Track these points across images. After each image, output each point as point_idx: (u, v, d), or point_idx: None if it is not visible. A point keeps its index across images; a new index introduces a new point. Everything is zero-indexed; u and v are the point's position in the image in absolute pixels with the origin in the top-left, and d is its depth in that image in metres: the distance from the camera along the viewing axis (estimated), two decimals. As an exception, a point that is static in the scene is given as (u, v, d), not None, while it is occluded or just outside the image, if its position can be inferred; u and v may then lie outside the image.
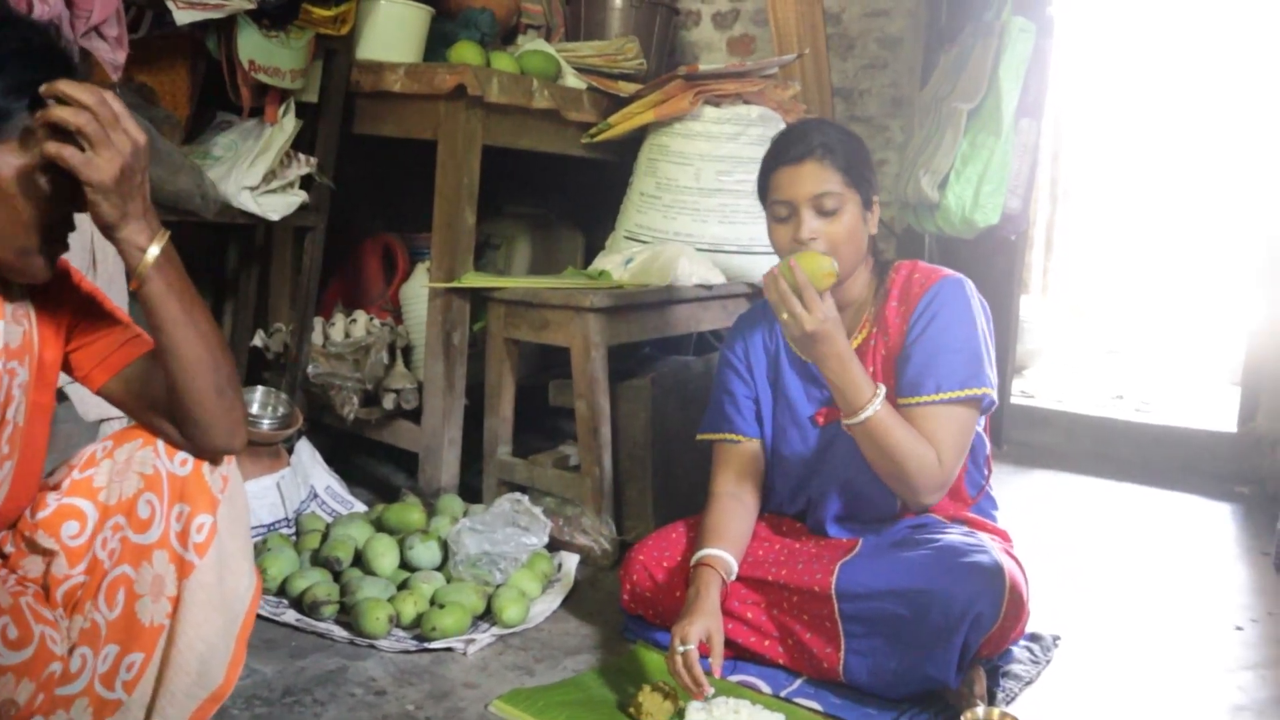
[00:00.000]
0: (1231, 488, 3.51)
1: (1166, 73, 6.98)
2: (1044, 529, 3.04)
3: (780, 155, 1.87)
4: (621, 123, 2.94)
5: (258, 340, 2.92)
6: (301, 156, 2.65)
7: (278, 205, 2.55)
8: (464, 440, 2.84)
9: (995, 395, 1.85)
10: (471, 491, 2.85)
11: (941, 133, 2.98)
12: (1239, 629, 2.35)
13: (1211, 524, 3.19)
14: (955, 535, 1.86)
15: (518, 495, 2.45)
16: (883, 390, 1.75)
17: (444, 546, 2.33)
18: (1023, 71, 2.93)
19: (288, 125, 2.58)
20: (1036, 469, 3.68)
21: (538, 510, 2.43)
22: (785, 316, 1.72)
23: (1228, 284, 6.84)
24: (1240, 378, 3.69)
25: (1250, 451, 3.57)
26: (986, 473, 2.04)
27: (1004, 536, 2.02)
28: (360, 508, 2.74)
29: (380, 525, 2.48)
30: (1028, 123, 3.00)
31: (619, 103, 2.99)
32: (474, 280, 2.64)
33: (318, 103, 2.72)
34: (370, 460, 3.24)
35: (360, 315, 2.95)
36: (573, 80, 3.02)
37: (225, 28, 2.37)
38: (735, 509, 1.98)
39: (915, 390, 1.82)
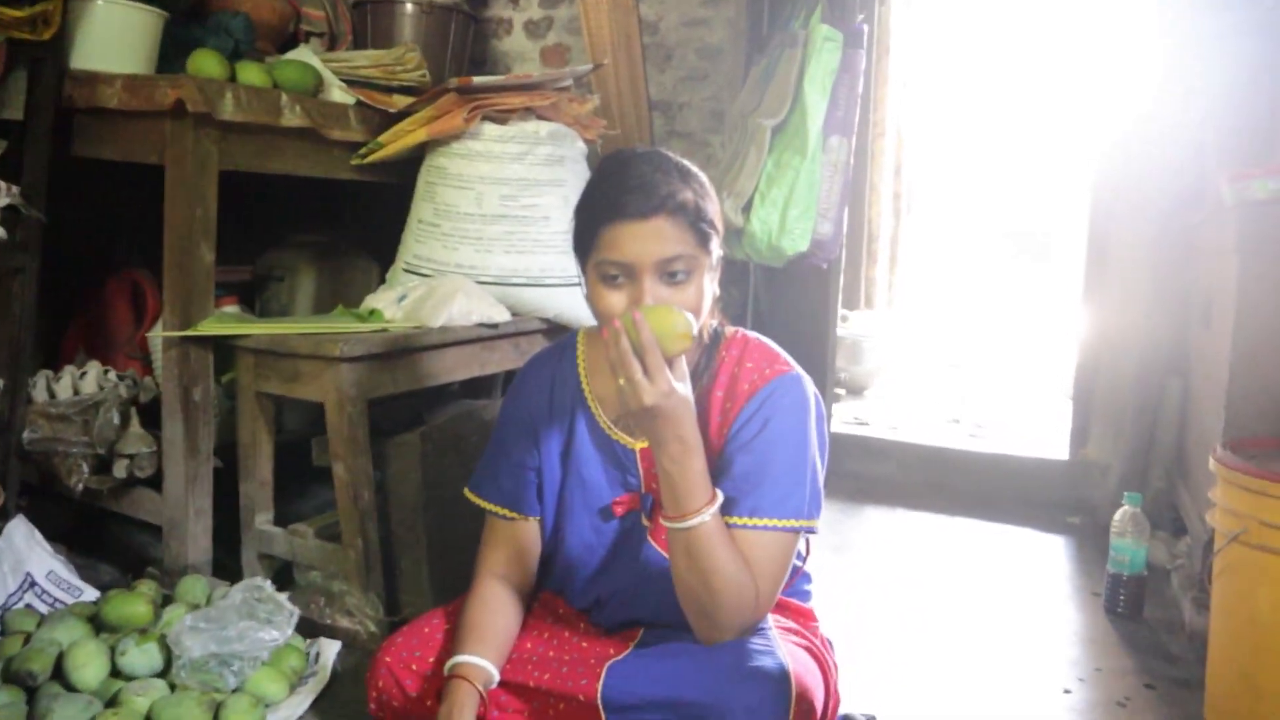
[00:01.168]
0: (1064, 518, 3.38)
1: (1001, 81, 7.02)
2: (872, 575, 2.84)
3: (617, 207, 1.45)
4: (393, 141, 2.61)
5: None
6: (3, 184, 2.24)
7: (-35, 243, 2.15)
8: (225, 508, 2.47)
9: (818, 526, 1.56)
10: (230, 569, 2.48)
11: (746, 152, 2.74)
12: (1067, 692, 2.16)
13: (1044, 560, 3.04)
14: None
15: (257, 581, 2.10)
16: (720, 497, 1.44)
17: (167, 647, 1.96)
18: (829, 85, 2.69)
19: (-22, 147, 2.18)
20: (869, 504, 3.49)
21: (281, 597, 2.08)
22: (622, 383, 1.37)
23: (1060, 296, 6.91)
24: (1071, 402, 3.55)
25: (1081, 480, 3.45)
26: (804, 554, 1.77)
27: (808, 617, 1.75)
28: (91, 595, 2.34)
29: (98, 622, 2.10)
30: (838, 140, 2.76)
31: (392, 119, 2.66)
32: (211, 327, 2.27)
33: (23, 120, 2.31)
34: (128, 529, 2.81)
35: (93, 367, 2.54)
36: (339, 95, 2.68)
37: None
38: (500, 597, 1.65)
39: (730, 509, 1.50)
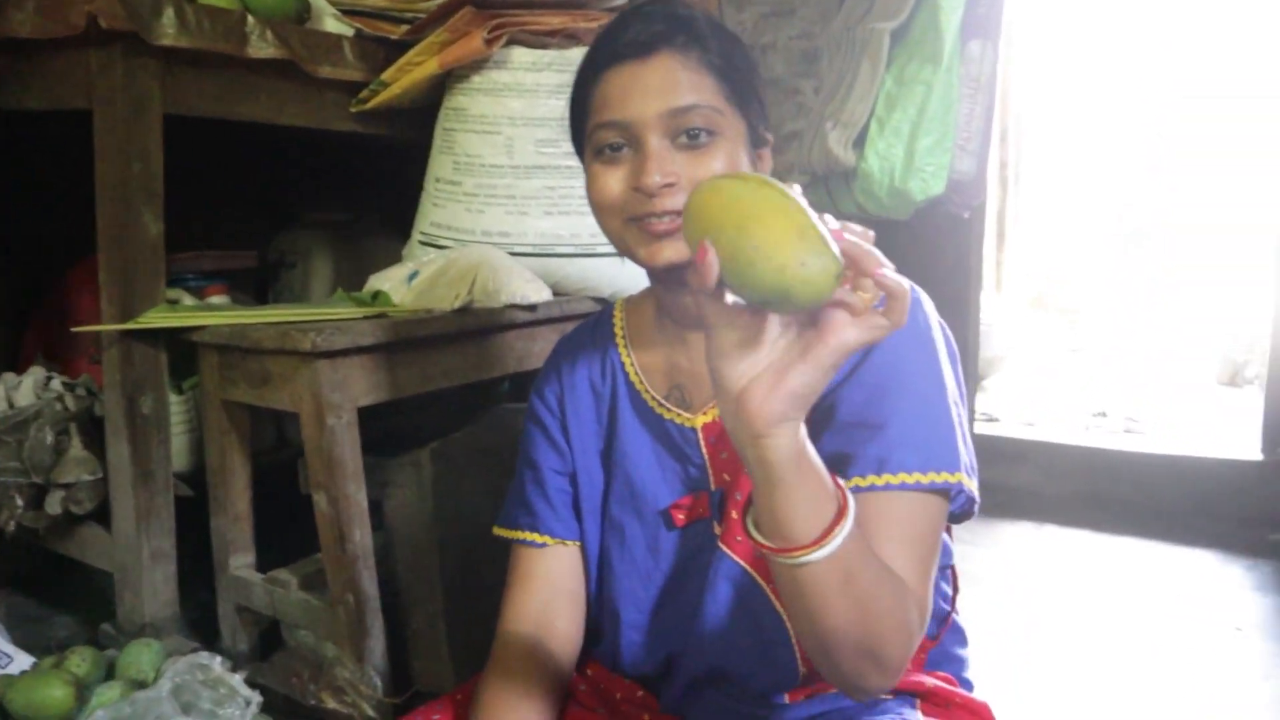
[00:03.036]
0: (1263, 535, 2.68)
1: (1127, 31, 6.26)
2: (1015, 617, 2.21)
3: (611, 46, 1.02)
4: (399, 78, 2.05)
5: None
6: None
7: None
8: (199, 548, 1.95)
9: (975, 490, 0.98)
10: (207, 626, 1.96)
11: (856, 69, 2.09)
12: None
13: (1248, 596, 2.35)
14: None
15: (204, 657, 1.56)
16: (852, 507, 0.82)
17: (80, 752, 1.43)
18: (969, -31, 2.04)
19: None
20: (1005, 520, 2.83)
21: (236, 679, 1.54)
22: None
23: (1203, 271, 6.14)
24: (1264, 392, 2.85)
25: (1283, 485, 2.75)
26: (952, 594, 1.17)
27: (979, 716, 1.14)
28: (23, 663, 1.83)
29: (4, 710, 1.59)
30: (979, 46, 2.08)
31: (398, 52, 2.09)
32: (156, 319, 1.74)
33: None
34: (94, 572, 2.29)
35: (32, 374, 2.03)
36: (333, 25, 2.13)
37: None
38: (529, 672, 1.11)
39: (845, 467, 0.94)
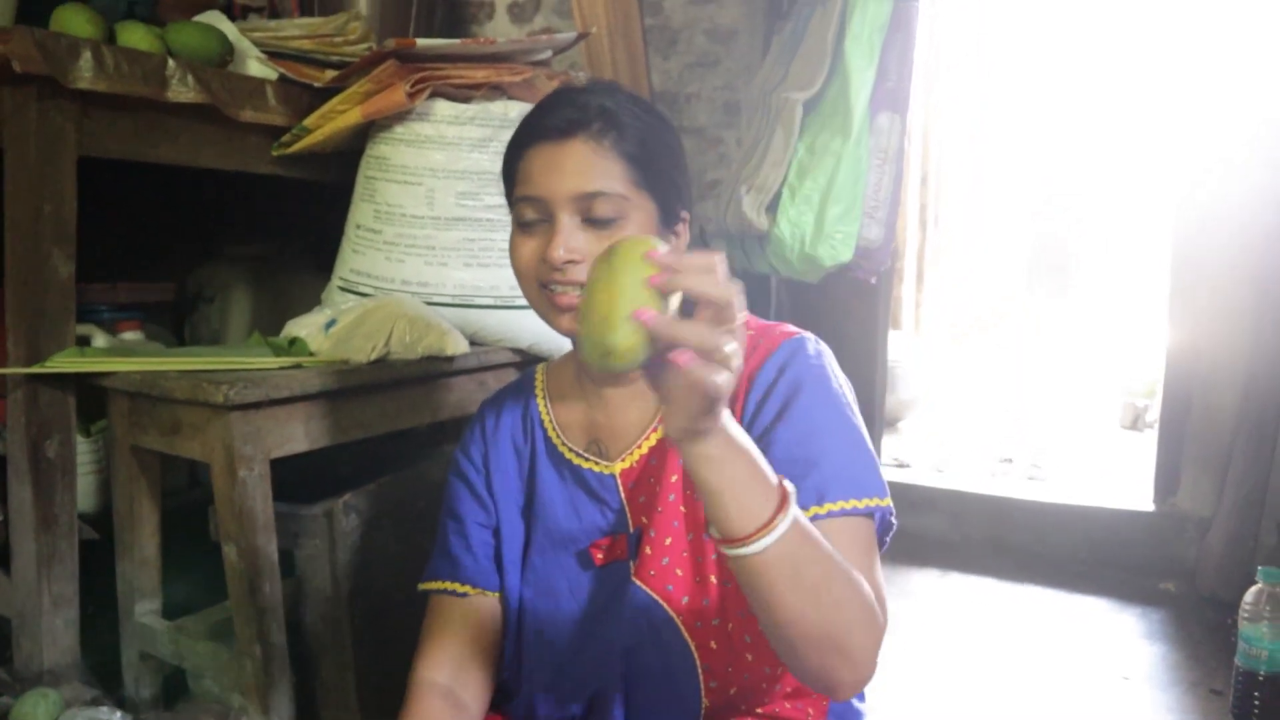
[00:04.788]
0: (1155, 584, 2.79)
1: (1043, 77, 6.46)
2: (921, 662, 2.27)
3: (534, 127, 1.11)
4: (322, 125, 2.06)
5: None
6: None
7: None
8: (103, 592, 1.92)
9: (894, 512, 1.07)
10: (111, 673, 1.93)
11: (770, 136, 2.15)
12: None
13: (1140, 642, 2.45)
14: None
15: (104, 711, 1.54)
16: (792, 489, 0.89)
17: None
18: (878, 45, 2.10)
19: None
20: (913, 567, 2.91)
21: (136, 735, 1.52)
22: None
23: (1110, 314, 6.35)
24: (1157, 442, 2.97)
25: (1172, 536, 2.86)
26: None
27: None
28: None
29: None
30: (888, 118, 2.16)
31: (322, 97, 2.10)
32: (63, 363, 1.72)
33: None
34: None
35: (-67, 412, 1.98)
36: (256, 69, 2.13)
37: None
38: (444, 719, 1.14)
39: None
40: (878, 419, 2.72)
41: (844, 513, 1.00)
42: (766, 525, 0.84)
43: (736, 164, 2.32)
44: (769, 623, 0.89)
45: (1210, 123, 2.72)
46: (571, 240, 1.05)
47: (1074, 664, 2.32)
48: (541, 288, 1.08)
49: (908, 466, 3.70)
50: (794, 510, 0.86)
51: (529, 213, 1.08)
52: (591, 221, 1.06)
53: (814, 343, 1.14)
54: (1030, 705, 2.12)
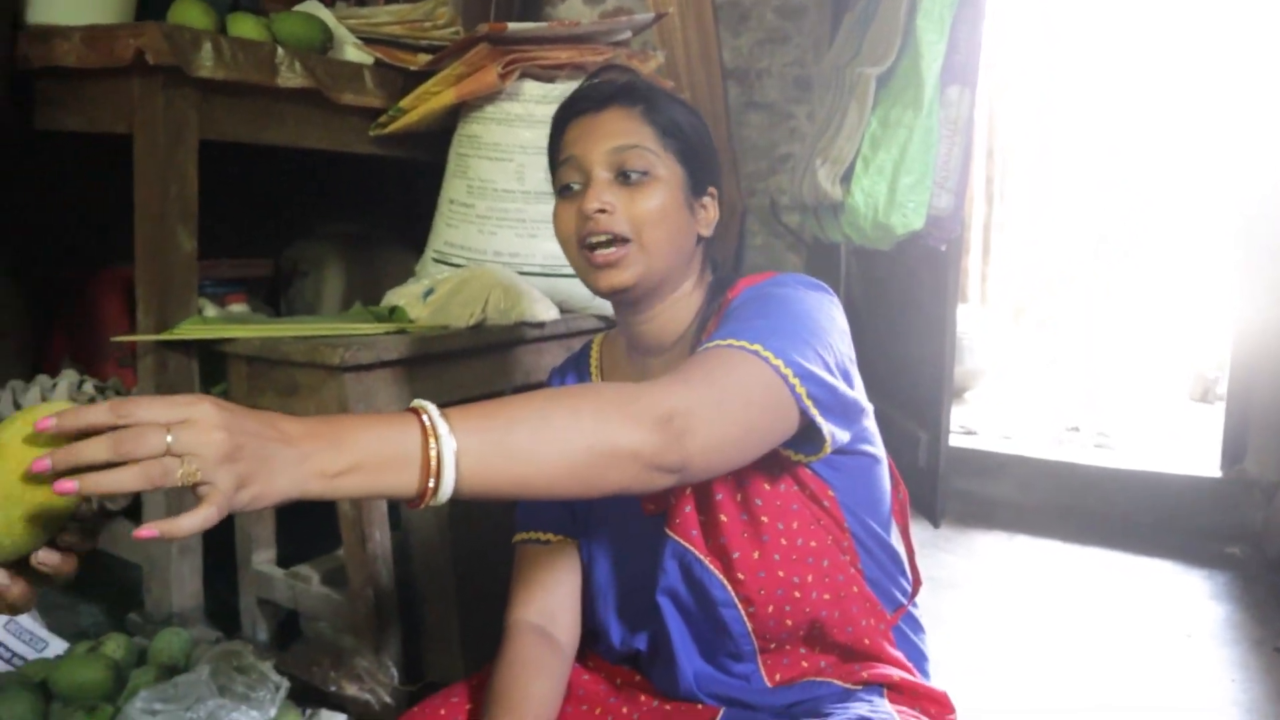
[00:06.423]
0: (1220, 548, 2.84)
1: (1116, 50, 6.40)
2: (987, 621, 2.36)
3: (573, 104, 1.26)
4: (417, 106, 2.18)
5: (-70, 414, 2.12)
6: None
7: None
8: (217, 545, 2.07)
9: (811, 406, 1.03)
10: (228, 616, 2.09)
11: (844, 110, 2.24)
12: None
13: (1204, 603, 2.50)
14: (852, 715, 1.15)
15: (236, 644, 1.69)
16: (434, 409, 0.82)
17: (120, 731, 1.56)
18: (948, 21, 2.17)
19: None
20: (980, 530, 2.98)
21: (267, 665, 1.66)
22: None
23: (1179, 287, 6.30)
24: (1225, 410, 3.01)
25: (1239, 502, 2.90)
26: (910, 588, 1.32)
27: (944, 706, 1.29)
28: (58, 648, 1.95)
29: (49, 690, 1.71)
30: (958, 91, 2.24)
31: (416, 80, 2.23)
32: (190, 331, 1.87)
33: (-27, 86, 1.93)
34: (118, 562, 2.42)
35: (66, 376, 2.15)
36: (354, 54, 2.26)
37: None
38: (538, 655, 1.27)
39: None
40: (946, 388, 2.80)
41: (737, 348, 1.01)
42: (429, 482, 0.79)
43: (811, 137, 2.41)
44: (541, 497, 0.93)
45: (1280, 91, 2.74)
46: (604, 193, 1.17)
47: (1137, 621, 2.39)
48: (581, 248, 1.19)
49: (975, 434, 3.76)
50: (441, 428, 0.79)
51: (569, 175, 1.21)
52: (624, 175, 1.18)
53: (790, 274, 1.22)
54: (1092, 658, 2.20)
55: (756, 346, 1.01)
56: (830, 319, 1.14)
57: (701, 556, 1.18)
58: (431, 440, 0.78)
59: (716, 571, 1.17)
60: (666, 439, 0.89)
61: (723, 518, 1.17)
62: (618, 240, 1.16)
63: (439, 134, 2.31)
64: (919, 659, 1.33)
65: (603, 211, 1.16)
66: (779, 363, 1.01)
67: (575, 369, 1.40)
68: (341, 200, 3.02)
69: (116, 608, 2.22)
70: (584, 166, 1.19)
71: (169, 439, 0.69)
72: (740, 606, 1.19)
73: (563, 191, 1.23)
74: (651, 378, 1.18)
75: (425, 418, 0.79)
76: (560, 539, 1.32)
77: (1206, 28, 5.71)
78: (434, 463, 0.78)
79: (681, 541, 1.19)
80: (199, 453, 0.70)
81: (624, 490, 0.89)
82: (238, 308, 2.44)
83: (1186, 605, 2.49)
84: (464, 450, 0.79)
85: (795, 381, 1.01)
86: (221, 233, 2.77)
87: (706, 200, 1.26)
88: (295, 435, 0.76)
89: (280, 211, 3.04)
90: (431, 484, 0.79)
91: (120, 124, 1.88)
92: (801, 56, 3.28)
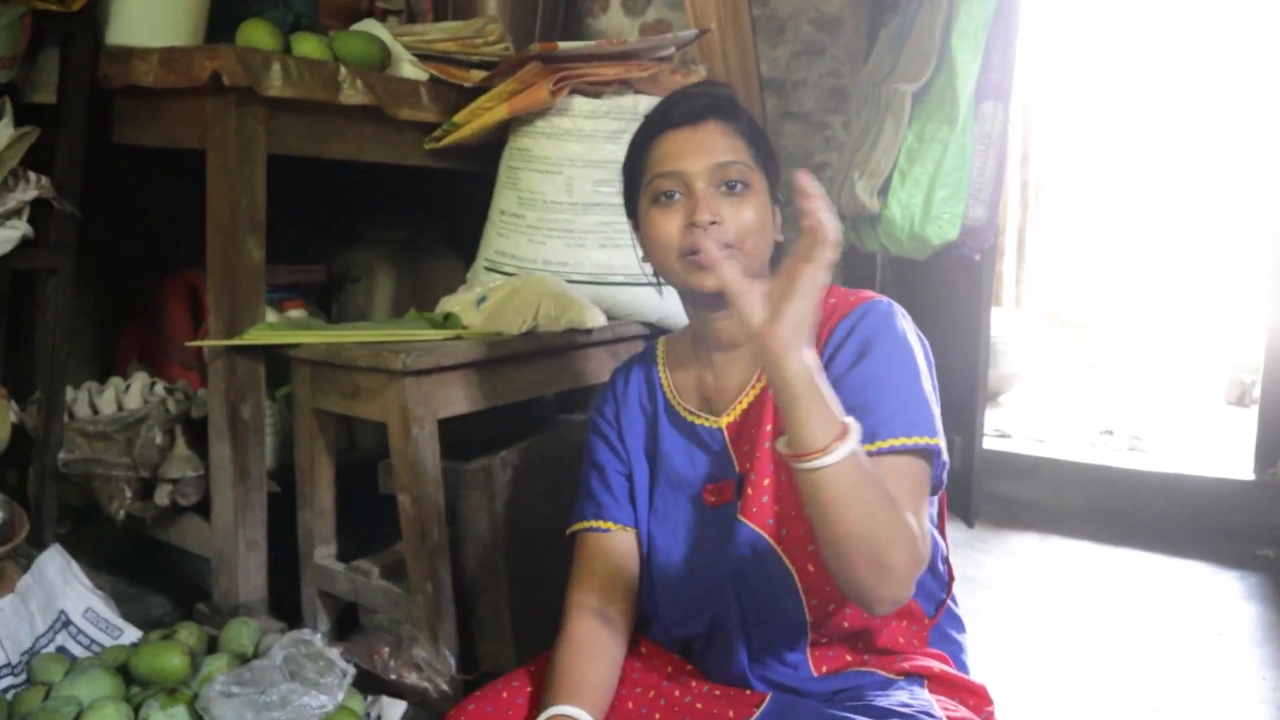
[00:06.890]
0: (1252, 550, 2.88)
1: (1147, 55, 6.41)
2: (1021, 620, 2.42)
3: (663, 118, 1.34)
4: (470, 121, 2.28)
5: (11, 415, 2.24)
6: (32, 175, 1.99)
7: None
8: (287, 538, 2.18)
9: (945, 453, 1.24)
10: (290, 608, 2.19)
11: (880, 124, 2.32)
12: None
13: (1236, 605, 2.55)
14: (894, 702, 1.22)
15: (305, 633, 1.78)
16: (855, 428, 1.06)
17: (197, 712, 1.66)
18: (983, 39, 2.25)
19: (1, 133, 1.91)
20: (1014, 531, 3.04)
21: (334, 653, 1.76)
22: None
23: (1213, 290, 6.30)
24: (1257, 414, 3.05)
25: (1272, 505, 2.94)
26: (947, 580, 1.40)
27: (981, 698, 1.36)
28: (132, 636, 2.06)
29: (129, 673, 1.81)
30: (992, 106, 2.32)
31: (469, 96, 2.33)
32: (258, 336, 1.97)
33: (56, 104, 2.05)
34: (184, 556, 2.53)
35: (138, 379, 2.27)
36: (410, 71, 2.36)
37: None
38: (597, 638, 1.35)
39: None
40: (980, 392, 2.86)
41: (893, 450, 1.17)
42: (831, 444, 1.01)
43: (849, 150, 2.49)
44: (824, 535, 1.06)
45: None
46: (713, 204, 1.26)
47: (1169, 621, 2.44)
48: (683, 256, 1.27)
49: (1009, 437, 3.82)
50: (854, 438, 1.03)
51: (668, 186, 1.28)
52: (727, 186, 1.27)
53: (886, 304, 1.31)
54: (1124, 656, 2.25)
55: (919, 440, 1.18)
56: (924, 363, 1.27)
57: (774, 544, 1.26)
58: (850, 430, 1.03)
59: (786, 560, 1.25)
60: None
61: (794, 511, 1.25)
62: (723, 248, 1.25)
63: (489, 147, 2.41)
64: (958, 653, 1.40)
65: (714, 223, 1.25)
66: (938, 442, 1.19)
67: (640, 367, 1.49)
68: (390, 207, 3.12)
69: (183, 599, 2.34)
70: (687, 180, 1.27)
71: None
72: (804, 596, 1.27)
73: (658, 199, 1.30)
74: (718, 371, 1.37)
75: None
76: (620, 528, 1.41)
77: (1233, 29, 5.72)
78: (850, 427, 1.03)
79: (756, 529, 1.27)
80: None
81: (865, 582, 1.08)
82: (296, 313, 2.54)
83: (1218, 605, 2.53)
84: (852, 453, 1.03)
85: (942, 446, 1.20)
86: (277, 239, 2.89)
87: (777, 209, 1.35)
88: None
89: (332, 218, 3.15)
90: (838, 438, 1.02)
91: (194, 140, 1.99)
92: (838, 67, 3.35)
